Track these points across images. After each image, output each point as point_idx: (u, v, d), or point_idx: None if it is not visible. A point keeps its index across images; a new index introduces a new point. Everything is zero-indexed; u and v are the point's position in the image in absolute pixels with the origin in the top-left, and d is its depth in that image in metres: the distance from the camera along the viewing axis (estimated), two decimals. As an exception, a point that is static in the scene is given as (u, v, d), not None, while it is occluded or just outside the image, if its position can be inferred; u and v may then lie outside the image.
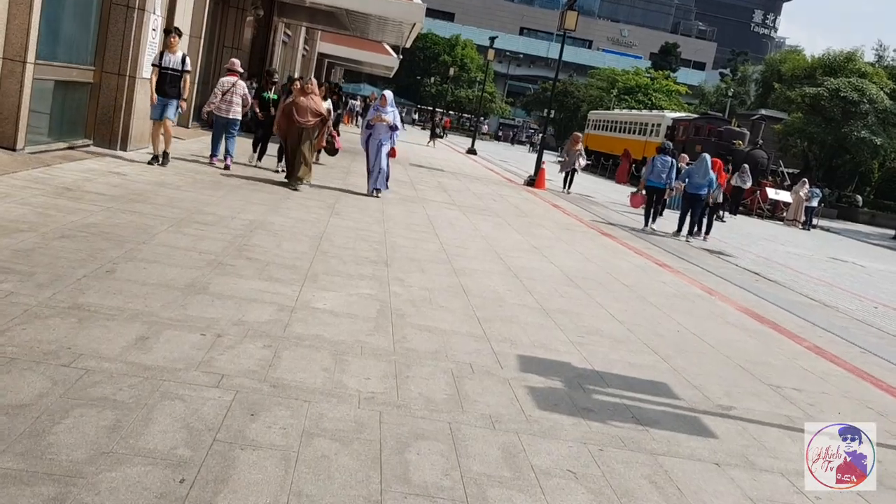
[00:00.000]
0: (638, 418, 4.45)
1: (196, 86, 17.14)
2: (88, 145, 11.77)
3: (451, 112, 79.65)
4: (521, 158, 44.07)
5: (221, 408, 3.55)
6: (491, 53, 38.44)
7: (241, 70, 13.66)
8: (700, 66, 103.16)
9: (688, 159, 19.59)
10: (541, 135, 62.30)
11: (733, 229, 22.05)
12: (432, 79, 79.52)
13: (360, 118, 37.04)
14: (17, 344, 3.86)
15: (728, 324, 7.80)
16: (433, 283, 7.12)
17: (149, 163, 11.10)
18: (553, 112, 39.43)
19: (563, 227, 13.66)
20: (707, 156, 16.12)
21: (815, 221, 29.67)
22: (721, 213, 23.50)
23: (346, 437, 3.49)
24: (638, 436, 4.18)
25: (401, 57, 38.86)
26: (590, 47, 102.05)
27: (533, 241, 11.06)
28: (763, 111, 42.58)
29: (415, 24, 20.66)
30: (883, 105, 39.55)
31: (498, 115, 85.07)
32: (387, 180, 13.07)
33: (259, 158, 13.83)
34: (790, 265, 15.50)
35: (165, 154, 11.32)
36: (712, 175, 15.88)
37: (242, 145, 14.86)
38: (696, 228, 16.35)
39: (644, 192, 16.66)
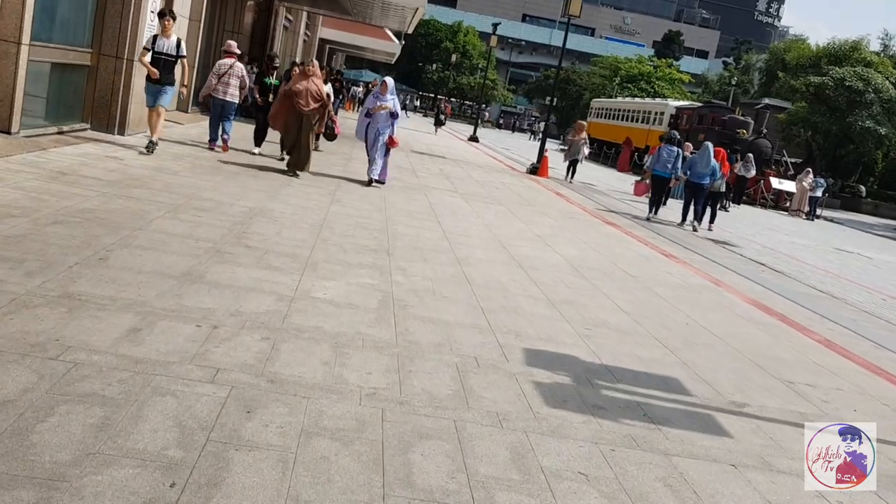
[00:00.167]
0: (650, 416, 4.28)
1: (196, 70, 16.91)
2: (86, 129, 11.57)
3: (452, 99, 79.27)
4: (522, 146, 43.80)
5: (216, 404, 3.39)
6: (494, 40, 38.12)
7: (238, 52, 13.41)
8: (703, 54, 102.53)
9: (691, 148, 19.39)
10: (543, 123, 62.02)
11: (737, 219, 21.86)
12: (434, 65, 79.03)
13: (361, 105, 36.72)
14: (3, 335, 3.70)
15: (736, 316, 7.64)
16: (436, 272, 6.95)
17: (146, 149, 10.64)
18: (555, 100, 39.03)
19: (567, 216, 13.47)
20: (710, 144, 15.98)
21: (818, 212, 29.46)
22: (725, 202, 23.34)
23: (346, 436, 3.33)
24: (650, 435, 4.01)
25: (403, 43, 38.54)
26: (592, 35, 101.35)
27: (536, 230, 10.88)
28: (767, 100, 42.32)
29: (417, 10, 20.42)
30: (888, 94, 39.23)
31: (500, 102, 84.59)
32: (384, 169, 12.53)
33: (258, 144, 13.48)
34: (795, 255, 15.32)
35: (152, 142, 10.66)
36: (715, 164, 15.71)
37: (240, 130, 14.67)
38: (700, 218, 16.20)
39: (649, 181, 16.52)
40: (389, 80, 12.58)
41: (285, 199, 9.32)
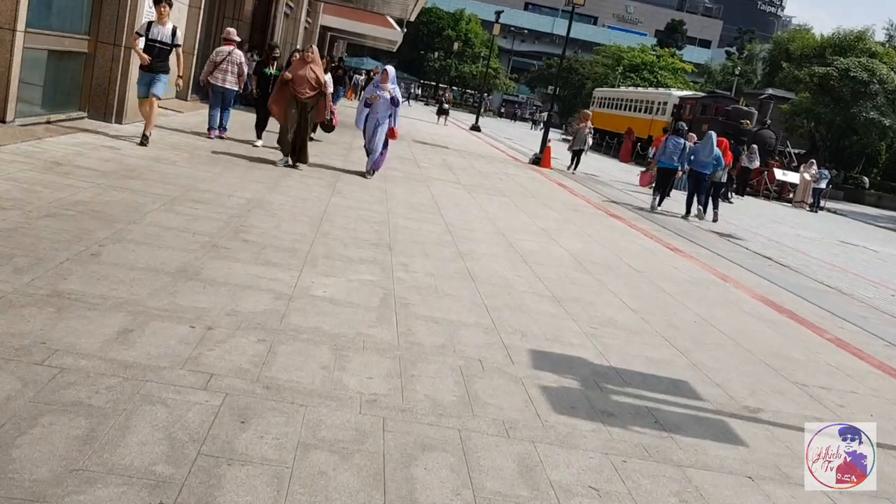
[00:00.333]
0: (661, 423, 4.12)
1: (195, 57, 16.70)
2: (83, 118, 11.37)
3: (454, 87, 78.89)
4: (524, 136, 43.55)
5: (208, 414, 3.22)
6: (496, 28, 37.82)
7: (237, 39, 13.25)
8: (706, 43, 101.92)
9: (695, 139, 19.20)
10: (546, 113, 61.59)
11: (741, 210, 21.67)
12: (436, 54, 78.62)
13: (363, 93, 36.40)
14: (-13, 338, 3.53)
15: (745, 313, 7.47)
16: (439, 268, 6.78)
17: (140, 143, 10.26)
18: (558, 89, 38.69)
19: (571, 208, 13.28)
20: (713, 134, 15.86)
21: (822, 203, 29.25)
22: (729, 193, 23.16)
23: (345, 448, 3.16)
24: (662, 444, 3.85)
25: (405, 31, 38.20)
26: (595, 23, 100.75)
27: (540, 223, 10.70)
28: (770, 90, 42.04)
29: (419, -3, 20.15)
30: (893, 85, 38.97)
31: (502, 91, 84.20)
32: (380, 159, 12.12)
33: (259, 136, 13.24)
34: (801, 249, 15.13)
35: (145, 135, 10.31)
36: (718, 153, 15.56)
37: (241, 120, 14.48)
38: (706, 207, 16.10)
39: (654, 171, 16.41)
40: (390, 69, 12.12)
41: (285, 191, 9.14)
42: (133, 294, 4.48)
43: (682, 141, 15.78)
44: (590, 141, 21.32)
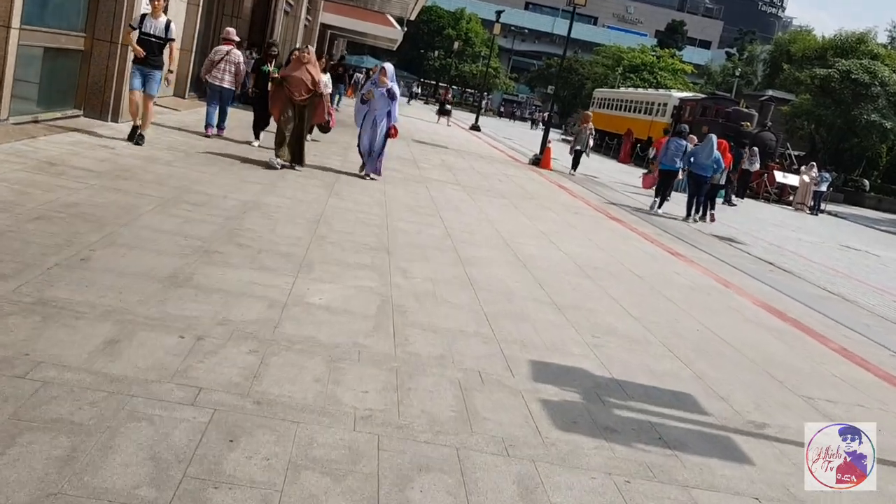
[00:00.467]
0: (665, 440, 3.99)
1: (193, 55, 16.57)
2: (78, 116, 11.24)
3: (454, 87, 78.74)
4: (524, 136, 43.42)
5: (196, 432, 3.09)
6: (497, 28, 37.68)
7: (236, 39, 13.21)
8: (706, 44, 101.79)
9: (696, 141, 19.11)
10: (545, 113, 61.26)
11: (741, 213, 21.55)
12: (436, 53, 78.48)
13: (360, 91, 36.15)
14: (-33, 350, 3.40)
15: (748, 321, 7.34)
16: (437, 273, 6.65)
17: (130, 139, 10.02)
18: (555, 89, 38.52)
19: (571, 211, 13.16)
20: (713, 137, 15.83)
21: (822, 206, 29.13)
22: (730, 196, 23.07)
23: (338, 469, 3.03)
24: (667, 463, 3.72)
25: (405, 29, 38.09)
26: (595, 24, 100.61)
27: (541, 226, 10.57)
28: (771, 92, 41.90)
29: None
30: (895, 88, 38.84)
31: (501, 90, 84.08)
32: (379, 161, 11.86)
33: (257, 136, 13.09)
34: (802, 253, 15.02)
35: (141, 135, 10.13)
36: (718, 155, 15.51)
37: (239, 119, 14.34)
38: (699, 210, 16.08)
39: (656, 173, 16.38)
40: (388, 66, 11.79)
41: (282, 192, 9.01)
42: (122, 302, 4.35)
43: (683, 143, 15.75)
44: (591, 143, 21.14)
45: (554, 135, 32.24)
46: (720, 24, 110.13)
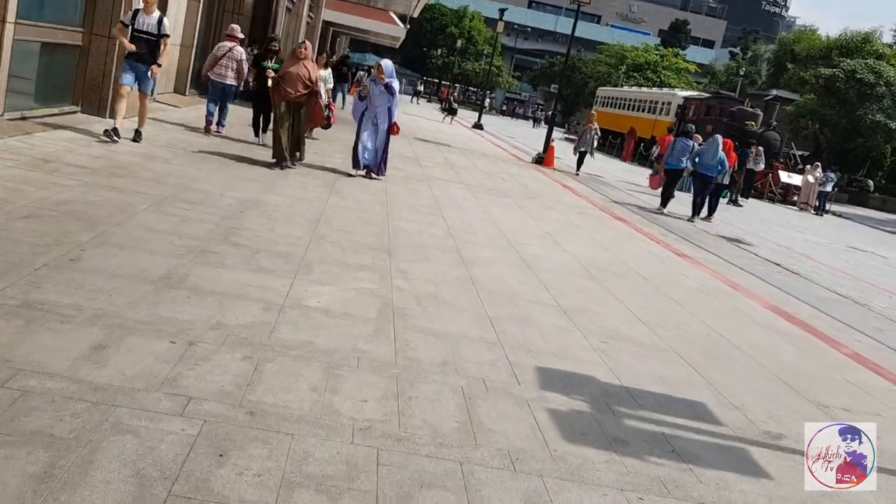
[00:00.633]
0: (678, 452, 3.81)
1: (194, 52, 16.39)
2: (76, 112, 11.05)
3: (456, 85, 78.53)
4: (527, 134, 43.21)
5: (183, 446, 2.91)
6: (500, 26, 37.47)
7: (240, 36, 13.10)
8: (709, 44, 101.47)
9: (700, 140, 18.94)
10: (546, 112, 60.99)
11: (747, 213, 21.34)
12: (439, 51, 78.23)
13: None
14: (-56, 356, 3.22)
15: (758, 325, 7.15)
16: (440, 274, 6.46)
17: (105, 132, 9.39)
18: (558, 88, 38.26)
19: (576, 210, 12.97)
20: (719, 137, 15.69)
21: (827, 206, 28.91)
22: (735, 197, 22.89)
23: (334, 487, 2.84)
24: (681, 477, 3.54)
25: (408, 27, 37.86)
26: (598, 22, 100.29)
27: (545, 226, 10.38)
28: (775, 92, 41.65)
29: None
30: (900, 88, 38.62)
31: (504, 89, 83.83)
32: (381, 162, 11.47)
33: (257, 134, 12.87)
34: (809, 254, 14.82)
35: (138, 132, 9.89)
36: (722, 155, 15.36)
37: (240, 115, 14.17)
38: (699, 209, 15.94)
39: (663, 173, 16.25)
40: (385, 63, 11.31)
41: (281, 191, 8.83)
42: (111, 304, 4.17)
43: (690, 143, 15.63)
44: (595, 143, 20.90)
45: (556, 134, 32.02)
46: (723, 23, 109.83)
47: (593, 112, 23.93)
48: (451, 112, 36.75)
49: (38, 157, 7.66)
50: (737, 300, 8.16)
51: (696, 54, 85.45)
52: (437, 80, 77.97)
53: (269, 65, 12.36)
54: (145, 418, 3.05)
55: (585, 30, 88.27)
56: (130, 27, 9.76)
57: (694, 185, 16.25)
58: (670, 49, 76.58)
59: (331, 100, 14.15)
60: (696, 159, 15.36)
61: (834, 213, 29.73)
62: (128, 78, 9.80)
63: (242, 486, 2.72)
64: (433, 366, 4.29)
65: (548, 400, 4.13)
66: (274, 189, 8.83)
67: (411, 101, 54.38)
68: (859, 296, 10.61)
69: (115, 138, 9.35)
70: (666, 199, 15.96)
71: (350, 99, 29.52)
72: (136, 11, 9.87)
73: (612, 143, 42.62)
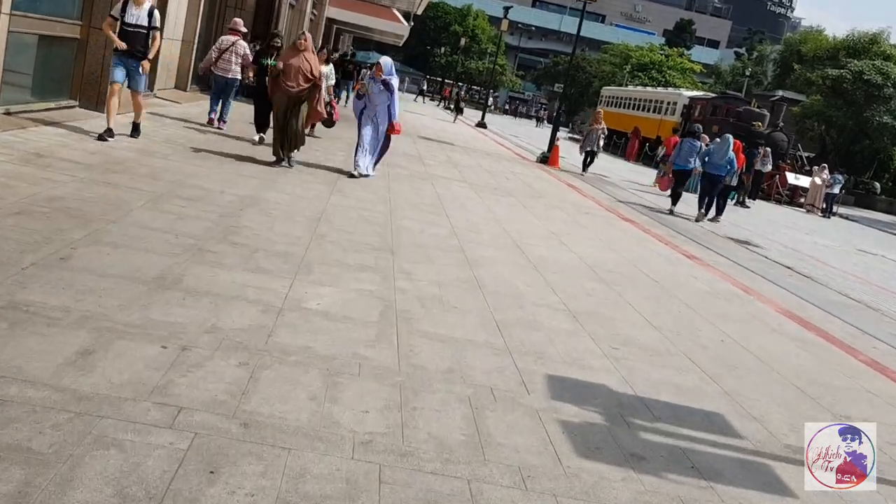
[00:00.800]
0: (698, 468, 3.60)
1: (195, 47, 16.18)
2: (73, 107, 10.85)
3: (460, 83, 78.28)
4: (531, 133, 42.97)
5: (172, 462, 2.70)
6: (505, 24, 37.23)
7: (243, 30, 12.96)
8: (714, 44, 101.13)
9: (707, 141, 18.73)
10: (548, 111, 60.80)
11: (754, 215, 21.11)
12: (442, 49, 77.99)
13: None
14: (-83, 362, 3.02)
15: (773, 330, 6.93)
16: (444, 275, 6.25)
17: (99, 136, 8.91)
18: (563, 87, 38.00)
19: (581, 210, 12.75)
20: (730, 137, 15.45)
21: (835, 209, 28.67)
22: (744, 199, 22.70)
23: (333, 508, 2.64)
24: (703, 496, 3.33)
25: (411, 24, 37.66)
26: (603, 22, 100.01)
27: (551, 226, 10.17)
28: (781, 92, 41.40)
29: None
30: (908, 89, 38.38)
31: (508, 88, 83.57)
32: (376, 162, 11.16)
33: (259, 131, 12.55)
34: (819, 257, 14.59)
35: (136, 126, 9.61)
36: (732, 156, 15.18)
37: (242, 112, 13.97)
38: (707, 209, 15.77)
39: (671, 174, 16.09)
40: (384, 60, 10.88)
41: (282, 188, 8.62)
42: (101, 306, 3.97)
43: (697, 143, 15.48)
44: (601, 143, 20.58)
45: (561, 133, 31.73)
46: (728, 23, 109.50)
47: (600, 111, 23.64)
48: (458, 111, 36.67)
49: (32, 151, 7.46)
50: (749, 304, 7.94)
51: (700, 54, 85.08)
52: (440, 79, 77.70)
53: (271, 62, 12.10)
54: (132, 431, 2.85)
55: (590, 29, 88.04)
56: (120, 20, 9.31)
57: (701, 184, 16.05)
58: (675, 49, 76.28)
59: (332, 96, 13.92)
60: (706, 159, 15.21)
61: (841, 216, 29.49)
62: (118, 74, 9.33)
63: (234, 507, 2.52)
64: (438, 373, 4.08)
65: (559, 410, 3.92)
66: (274, 186, 8.62)
67: (415, 100, 54.17)
68: (871, 300, 10.39)
69: (108, 138, 8.97)
70: (675, 199, 15.81)
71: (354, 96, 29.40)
72: (126, 2, 9.34)
73: (617, 143, 42.41)
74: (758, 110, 32.24)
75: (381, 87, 10.67)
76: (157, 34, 9.62)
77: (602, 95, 53.50)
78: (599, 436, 3.72)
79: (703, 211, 15.59)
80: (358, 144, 10.94)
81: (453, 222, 8.86)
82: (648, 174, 25.59)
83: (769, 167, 25.39)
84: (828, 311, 8.45)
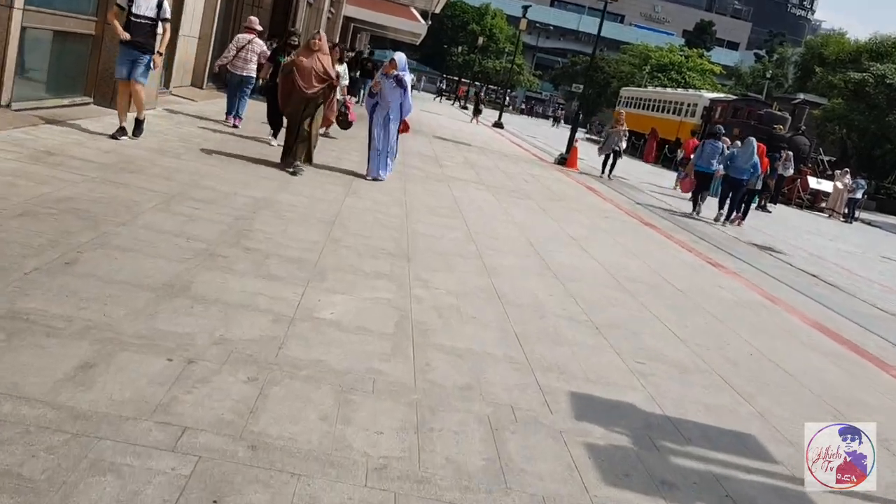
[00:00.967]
0: (733, 498, 3.38)
1: (212, 45, 16.06)
2: (88, 104, 10.74)
3: (476, 83, 77.99)
4: (548, 134, 42.69)
5: (173, 490, 2.51)
6: (523, 23, 36.99)
7: (259, 28, 12.85)
8: (734, 45, 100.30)
9: (729, 142, 18.43)
10: (565, 111, 60.47)
11: (776, 220, 20.78)
12: (460, 48, 77.73)
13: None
14: None
15: (803, 344, 6.68)
16: (461, 284, 6.05)
17: (112, 136, 8.73)
18: (583, 87, 37.66)
19: (602, 215, 12.51)
20: (753, 140, 15.23)
21: (857, 214, 28.23)
22: (766, 203, 22.38)
23: (345, 545, 2.44)
24: (740, 531, 3.11)
25: (429, 23, 37.44)
26: (622, 22, 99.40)
27: (570, 231, 9.94)
28: (802, 95, 40.88)
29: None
30: (931, 94, 37.79)
31: (525, 87, 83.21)
32: (391, 161, 10.77)
33: (274, 133, 12.25)
34: (844, 265, 14.27)
35: (139, 123, 9.19)
36: (756, 160, 14.92)
37: (255, 108, 13.82)
38: (733, 214, 15.53)
39: (693, 176, 15.88)
40: (399, 56, 10.45)
41: (296, 190, 8.44)
42: (105, 315, 3.79)
43: (720, 144, 15.27)
44: (623, 144, 20.08)
45: (579, 134, 31.43)
46: (748, 25, 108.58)
47: (621, 111, 23.31)
48: (477, 112, 36.52)
49: (42, 149, 7.31)
50: (777, 315, 7.69)
51: (720, 56, 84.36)
52: (457, 78, 77.45)
53: (287, 60, 11.93)
54: (131, 454, 2.66)
55: (609, 29, 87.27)
56: (127, 10, 8.92)
57: (722, 187, 15.81)
58: (695, 50, 75.61)
59: (346, 97, 13.76)
60: (729, 162, 14.98)
61: (863, 221, 29.05)
62: (124, 70, 9.02)
63: (237, 544, 2.32)
64: (456, 390, 3.88)
65: (584, 432, 3.71)
66: (288, 188, 8.45)
67: (434, 100, 54.00)
68: (900, 311, 10.10)
69: (120, 137, 8.79)
70: (697, 202, 15.58)
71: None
72: None
73: (636, 145, 42.03)
74: (779, 113, 31.81)
75: (394, 84, 10.37)
76: (167, 26, 9.24)
77: (621, 96, 53.11)
78: (627, 461, 3.51)
79: (722, 212, 15.43)
80: (370, 147, 10.68)
81: (470, 226, 8.66)
82: (668, 176, 25.29)
83: (791, 171, 24.99)
84: (859, 323, 8.18)
